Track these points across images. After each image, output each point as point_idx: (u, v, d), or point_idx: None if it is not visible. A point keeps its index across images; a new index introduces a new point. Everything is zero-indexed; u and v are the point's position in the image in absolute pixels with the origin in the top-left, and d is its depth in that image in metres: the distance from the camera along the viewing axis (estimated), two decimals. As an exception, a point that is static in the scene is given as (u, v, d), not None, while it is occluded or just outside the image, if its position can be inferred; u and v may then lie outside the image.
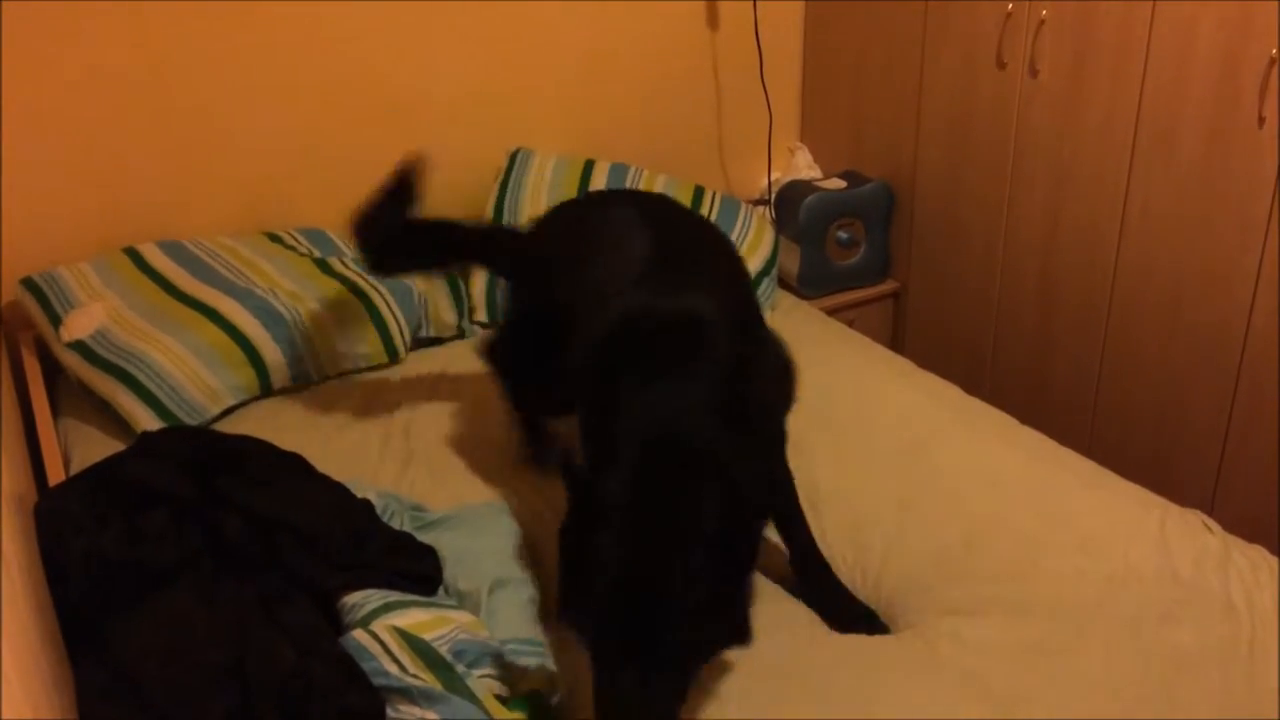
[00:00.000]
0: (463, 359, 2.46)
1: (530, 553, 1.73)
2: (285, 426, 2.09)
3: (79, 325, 2.19)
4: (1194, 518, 1.82)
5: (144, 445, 1.75)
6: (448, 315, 2.54)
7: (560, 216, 1.98)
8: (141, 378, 2.11)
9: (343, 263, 2.48)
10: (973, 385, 2.36)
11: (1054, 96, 2.44)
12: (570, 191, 2.72)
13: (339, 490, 1.76)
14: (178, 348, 2.16)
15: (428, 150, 2.71)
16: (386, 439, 2.12)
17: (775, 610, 1.62)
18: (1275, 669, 1.49)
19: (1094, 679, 1.49)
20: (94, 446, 2.02)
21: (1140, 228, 2.34)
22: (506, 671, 1.45)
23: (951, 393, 2.28)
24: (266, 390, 2.27)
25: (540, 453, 2.02)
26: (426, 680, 1.35)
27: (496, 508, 1.82)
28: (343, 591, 1.54)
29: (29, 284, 2.30)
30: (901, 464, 1.98)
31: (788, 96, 3.19)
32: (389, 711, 1.31)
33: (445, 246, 2.11)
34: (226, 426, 2.11)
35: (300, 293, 2.34)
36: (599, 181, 2.74)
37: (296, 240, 2.55)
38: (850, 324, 2.82)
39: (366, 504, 1.75)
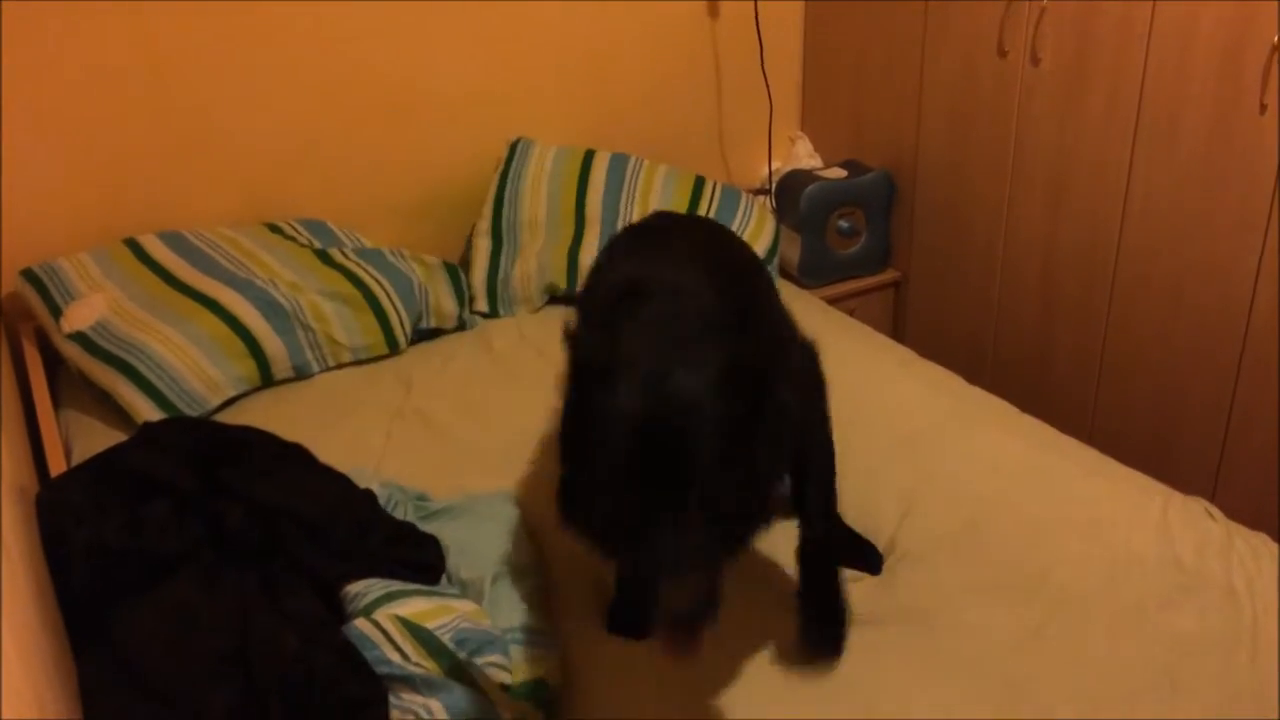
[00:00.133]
0: (464, 350, 2.46)
1: (533, 542, 1.73)
2: (286, 417, 2.09)
3: (79, 316, 2.19)
4: (1196, 505, 1.82)
5: (145, 436, 1.75)
6: (448, 306, 2.53)
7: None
8: (142, 369, 2.10)
9: (343, 253, 2.48)
10: (974, 374, 2.36)
11: (1056, 85, 2.44)
12: (571, 182, 2.72)
13: (341, 480, 1.76)
14: (178, 339, 2.16)
15: (428, 140, 2.74)
16: (388, 429, 2.12)
17: (772, 597, 1.62)
18: (1276, 655, 1.50)
19: (1096, 665, 1.50)
20: (95, 437, 2.02)
21: (1142, 215, 2.33)
22: (510, 660, 1.45)
23: (952, 382, 2.28)
24: (267, 381, 2.27)
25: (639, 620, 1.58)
26: (429, 669, 1.36)
27: (499, 497, 1.82)
28: (345, 581, 1.54)
29: (29, 275, 2.30)
30: (903, 453, 1.98)
31: (788, 85, 3.18)
32: (392, 700, 1.31)
33: None
34: (227, 417, 2.11)
35: (300, 283, 2.34)
36: (599, 172, 2.74)
37: (297, 231, 2.55)
38: (851, 313, 2.82)
39: (369, 494, 1.75)
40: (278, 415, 2.10)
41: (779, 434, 1.22)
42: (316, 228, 2.58)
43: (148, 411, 2.07)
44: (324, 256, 2.45)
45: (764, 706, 1.45)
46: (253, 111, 2.52)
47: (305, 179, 2.63)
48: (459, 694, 1.33)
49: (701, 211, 2.70)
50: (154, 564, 1.46)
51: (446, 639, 1.42)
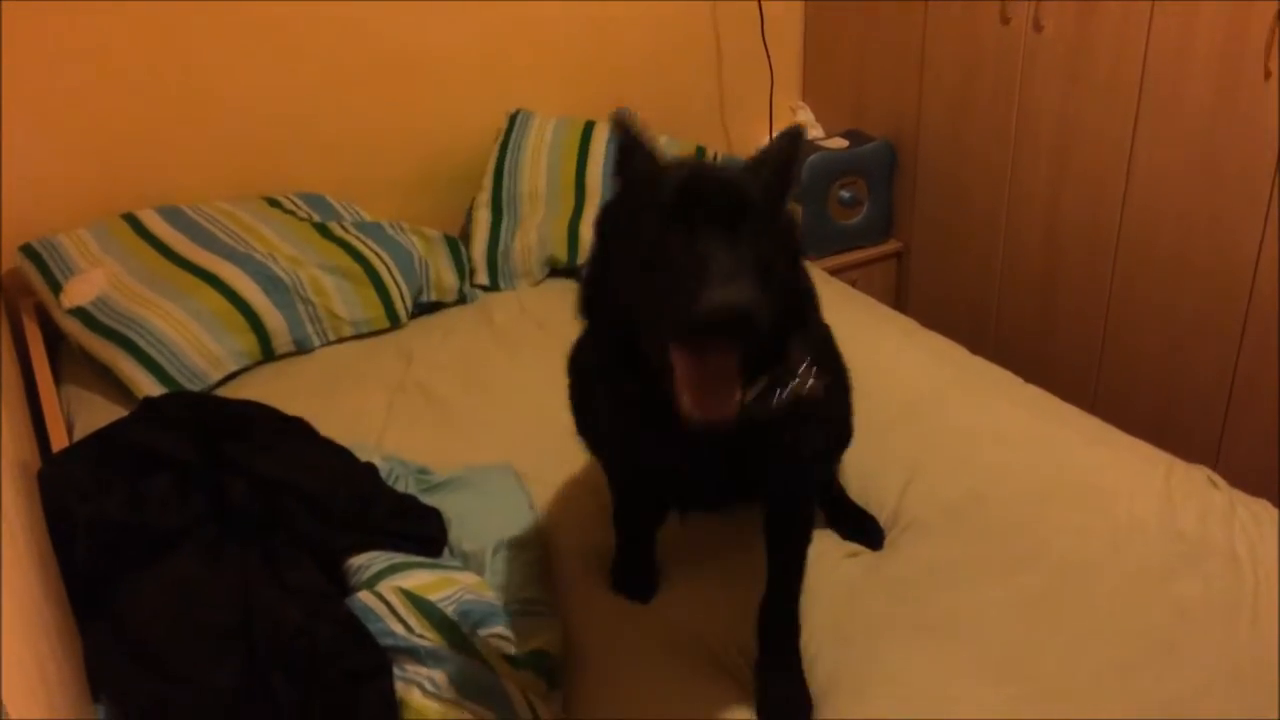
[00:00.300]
0: (464, 323, 2.45)
1: (534, 513, 1.73)
2: (287, 391, 2.09)
3: (79, 292, 2.18)
4: (1199, 473, 1.82)
5: (147, 410, 1.75)
6: (449, 279, 2.53)
7: None
8: (143, 344, 2.10)
9: (342, 227, 2.47)
10: (977, 344, 2.36)
11: (1059, 51, 2.42)
12: (571, 153, 2.70)
13: (343, 454, 1.77)
14: (178, 313, 2.16)
15: (427, 112, 2.72)
16: (390, 403, 2.12)
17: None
18: (1278, 621, 1.50)
19: (1098, 633, 1.50)
20: (96, 413, 2.02)
21: (1145, 182, 2.32)
22: (512, 631, 1.46)
23: (955, 352, 2.27)
24: (268, 355, 2.27)
25: (642, 581, 1.62)
26: (433, 640, 1.36)
27: (501, 469, 1.82)
28: (348, 554, 1.54)
29: (28, 251, 2.29)
30: (905, 423, 1.97)
31: (789, 55, 3.16)
32: (396, 671, 1.32)
33: None
34: (228, 392, 2.11)
35: (300, 257, 2.33)
36: (600, 143, 2.72)
37: (296, 205, 2.54)
38: (853, 284, 2.81)
39: (371, 467, 1.75)
40: (278, 389, 2.10)
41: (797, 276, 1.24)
42: (316, 201, 2.57)
43: (148, 386, 2.07)
44: (323, 230, 2.44)
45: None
46: (250, 85, 2.50)
47: (304, 152, 2.62)
48: (462, 665, 1.33)
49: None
50: (157, 538, 1.47)
51: (449, 611, 1.43)
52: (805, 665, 1.45)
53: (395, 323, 2.42)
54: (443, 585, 1.48)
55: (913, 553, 1.67)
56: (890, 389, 2.07)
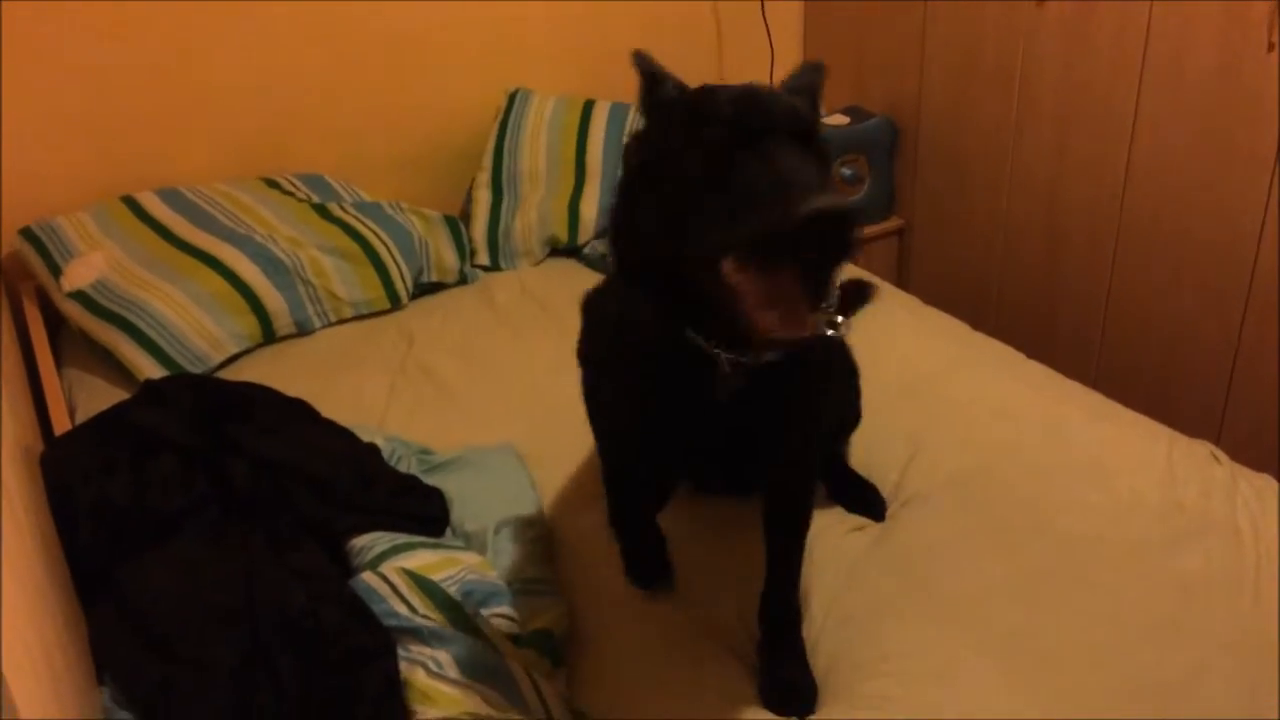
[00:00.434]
0: (465, 304, 2.45)
1: (536, 493, 1.73)
2: (288, 373, 2.09)
3: (79, 275, 2.18)
4: (1201, 448, 1.82)
5: (148, 393, 1.75)
6: (449, 259, 2.52)
7: None
8: (143, 327, 2.10)
9: (341, 208, 2.46)
10: (979, 320, 2.35)
11: (1061, 24, 2.40)
12: (571, 132, 2.69)
13: (345, 435, 1.77)
14: (179, 296, 2.15)
15: (425, 91, 2.71)
16: (391, 384, 2.12)
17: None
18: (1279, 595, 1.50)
19: (1101, 609, 1.50)
20: (98, 396, 2.02)
21: (1148, 156, 2.31)
22: (516, 611, 1.46)
23: (958, 328, 2.27)
24: (269, 337, 2.27)
25: (653, 571, 1.60)
26: (436, 621, 1.36)
27: (503, 449, 1.82)
28: (350, 535, 1.55)
29: (28, 234, 2.29)
30: (908, 400, 1.97)
31: (789, 31, 3.14)
32: (400, 652, 1.32)
33: None
34: (229, 374, 2.11)
35: (300, 239, 2.33)
36: (599, 122, 2.71)
37: (295, 186, 2.53)
38: (855, 261, 2.79)
39: (373, 448, 1.76)
40: (280, 371, 2.10)
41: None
42: (314, 182, 2.56)
43: (150, 369, 2.07)
44: (323, 211, 2.43)
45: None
46: (249, 66, 2.49)
47: (302, 133, 2.61)
48: (466, 645, 1.33)
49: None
50: (160, 521, 1.47)
51: (453, 591, 1.43)
52: (808, 646, 1.45)
53: (396, 303, 2.41)
54: (446, 565, 1.48)
55: (915, 530, 1.67)
56: (892, 366, 2.06)
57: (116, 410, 1.69)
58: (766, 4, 2.97)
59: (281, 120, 2.57)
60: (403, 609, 1.37)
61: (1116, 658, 1.42)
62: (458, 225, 2.60)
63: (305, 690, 1.26)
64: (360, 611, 1.35)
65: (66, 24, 2.27)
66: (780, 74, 3.09)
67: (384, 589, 1.40)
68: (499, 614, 1.44)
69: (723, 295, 1.02)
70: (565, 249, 2.64)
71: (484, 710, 1.23)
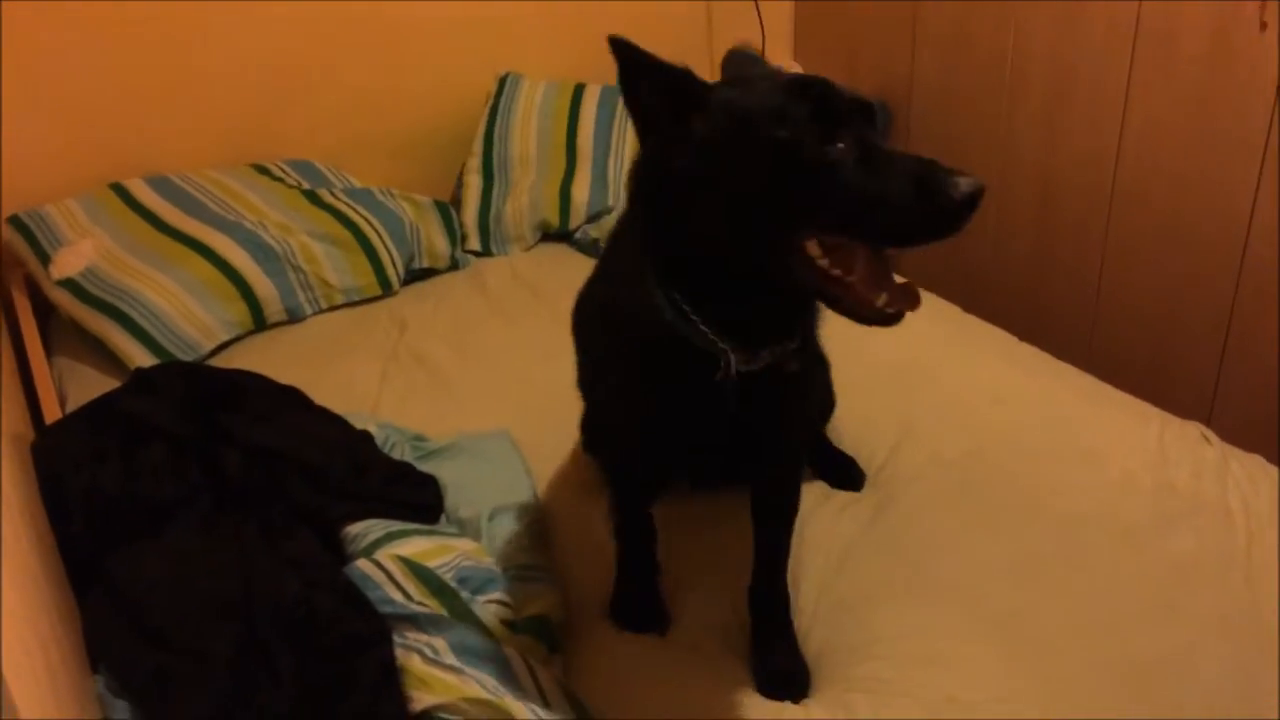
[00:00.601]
0: (457, 289, 2.44)
1: (530, 479, 1.73)
2: (280, 360, 2.08)
3: (68, 263, 2.17)
4: (1192, 429, 1.82)
5: (140, 381, 1.75)
6: (440, 245, 2.51)
7: None
8: (134, 314, 2.09)
9: (332, 194, 2.45)
10: (971, 302, 2.35)
11: (1052, 5, 2.39)
12: (561, 116, 2.68)
13: (338, 422, 1.76)
14: (169, 283, 2.14)
15: (415, 76, 2.69)
16: (384, 371, 2.11)
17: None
18: (1273, 574, 1.51)
19: (1094, 590, 1.51)
20: (89, 384, 2.01)
21: (1140, 136, 2.30)
22: (511, 597, 1.46)
23: (950, 311, 2.27)
24: (260, 325, 2.26)
25: (650, 610, 1.53)
26: (432, 607, 1.36)
27: (497, 436, 1.82)
28: (344, 522, 1.54)
29: (16, 222, 2.27)
30: (900, 383, 1.97)
31: (781, 13, 3.12)
32: (395, 639, 1.32)
33: None
34: (221, 362, 2.10)
35: (290, 225, 2.32)
36: (590, 105, 2.70)
37: (285, 172, 2.52)
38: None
39: (366, 435, 1.75)
40: (272, 359, 2.09)
41: None
42: (304, 168, 2.55)
43: (140, 357, 2.06)
44: (313, 197, 2.42)
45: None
46: (238, 52, 2.47)
47: (292, 119, 2.59)
48: (462, 631, 1.33)
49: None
50: (152, 510, 1.47)
51: (448, 577, 1.43)
52: (800, 633, 1.46)
53: (387, 290, 2.41)
54: (440, 552, 1.48)
55: (907, 513, 1.67)
56: (884, 349, 2.05)
57: (107, 399, 1.69)
58: (757, -14, 2.96)
59: (271, 107, 2.56)
60: (398, 596, 1.37)
61: (1109, 638, 1.43)
62: (449, 211, 2.59)
63: (302, 678, 1.25)
64: (355, 599, 1.35)
65: (53, 11, 2.25)
66: (772, 56, 3.08)
67: (379, 576, 1.40)
68: (494, 600, 1.44)
69: (819, 284, 1.08)
70: (557, 234, 2.64)
71: (481, 696, 1.23)
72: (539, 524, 1.64)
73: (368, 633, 1.31)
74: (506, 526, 1.60)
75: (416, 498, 1.63)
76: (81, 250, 2.19)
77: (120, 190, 2.35)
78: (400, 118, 2.71)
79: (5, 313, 2.28)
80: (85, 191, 2.34)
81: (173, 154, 2.47)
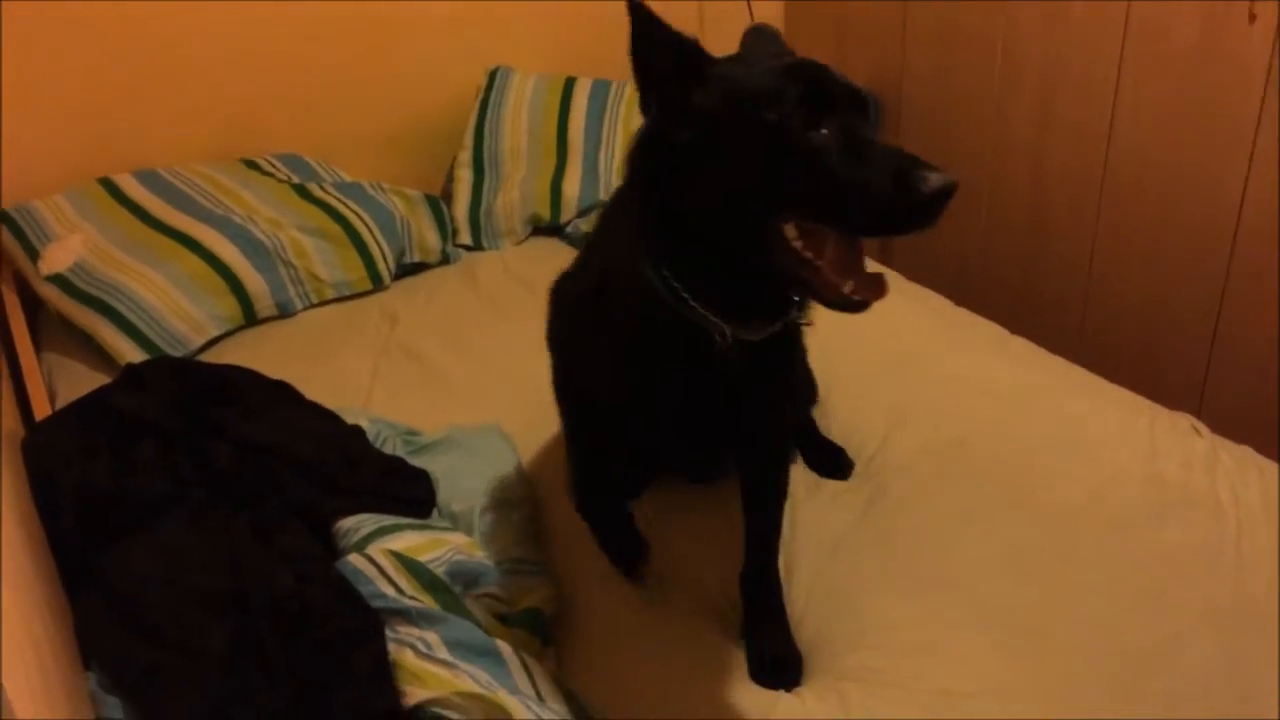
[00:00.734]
0: (448, 284, 2.44)
1: (522, 473, 1.73)
2: (271, 356, 2.07)
3: (57, 258, 2.16)
4: (1182, 420, 1.83)
5: (130, 377, 1.74)
6: (431, 239, 2.51)
7: None
8: (123, 310, 2.08)
9: (322, 188, 2.44)
10: (961, 294, 2.36)
11: (1042, -2, 2.40)
12: (552, 110, 2.67)
13: (329, 417, 1.76)
14: (158, 279, 2.13)
15: (405, 70, 2.69)
16: (375, 365, 2.11)
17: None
18: (1263, 564, 1.52)
19: (1084, 581, 1.51)
20: (79, 380, 2.00)
21: (1130, 127, 2.31)
22: (504, 590, 1.46)
23: (940, 303, 2.28)
24: (250, 319, 2.25)
25: (634, 553, 1.58)
26: (424, 602, 1.36)
27: (488, 429, 1.82)
28: (336, 517, 1.54)
29: (4, 217, 2.26)
30: (890, 375, 1.98)
31: (772, 11, 3.12)
32: (388, 633, 1.32)
33: None
34: (211, 357, 2.09)
35: (280, 220, 2.31)
36: (581, 99, 2.69)
37: (274, 166, 2.51)
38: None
39: (357, 429, 1.75)
40: (262, 354, 2.09)
41: None
42: (294, 162, 2.54)
43: (130, 353, 2.05)
44: (303, 191, 2.41)
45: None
46: (226, 46, 2.46)
47: (281, 113, 2.58)
48: (455, 625, 1.33)
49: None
50: (144, 505, 1.46)
51: (440, 572, 1.43)
52: (793, 622, 1.46)
53: (378, 284, 2.40)
54: (433, 546, 1.48)
55: (898, 504, 1.68)
56: (876, 342, 2.06)
57: (98, 394, 1.68)
58: (747, -22, 2.95)
59: (260, 101, 2.55)
60: (390, 590, 1.36)
61: (1099, 628, 1.43)
62: (439, 205, 2.59)
63: (295, 673, 1.25)
64: (348, 594, 1.35)
65: (40, 6, 2.24)
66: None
67: (371, 571, 1.39)
68: (487, 594, 1.44)
69: (792, 266, 1.10)
70: (548, 228, 2.63)
71: (474, 690, 1.23)
72: (531, 517, 1.64)
73: (361, 627, 1.30)
74: (499, 520, 1.60)
75: (408, 492, 1.63)
76: (70, 245, 2.18)
77: (109, 185, 2.34)
78: (390, 111, 2.70)
79: (-7, 308, 2.27)
80: (73, 186, 2.33)
81: (161, 149, 2.46)
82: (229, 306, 2.20)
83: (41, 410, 1.89)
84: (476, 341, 2.17)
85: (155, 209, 2.28)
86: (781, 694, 1.37)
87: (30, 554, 1.32)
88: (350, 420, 1.77)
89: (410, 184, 2.63)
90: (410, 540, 1.48)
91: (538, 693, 1.28)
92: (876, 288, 1.11)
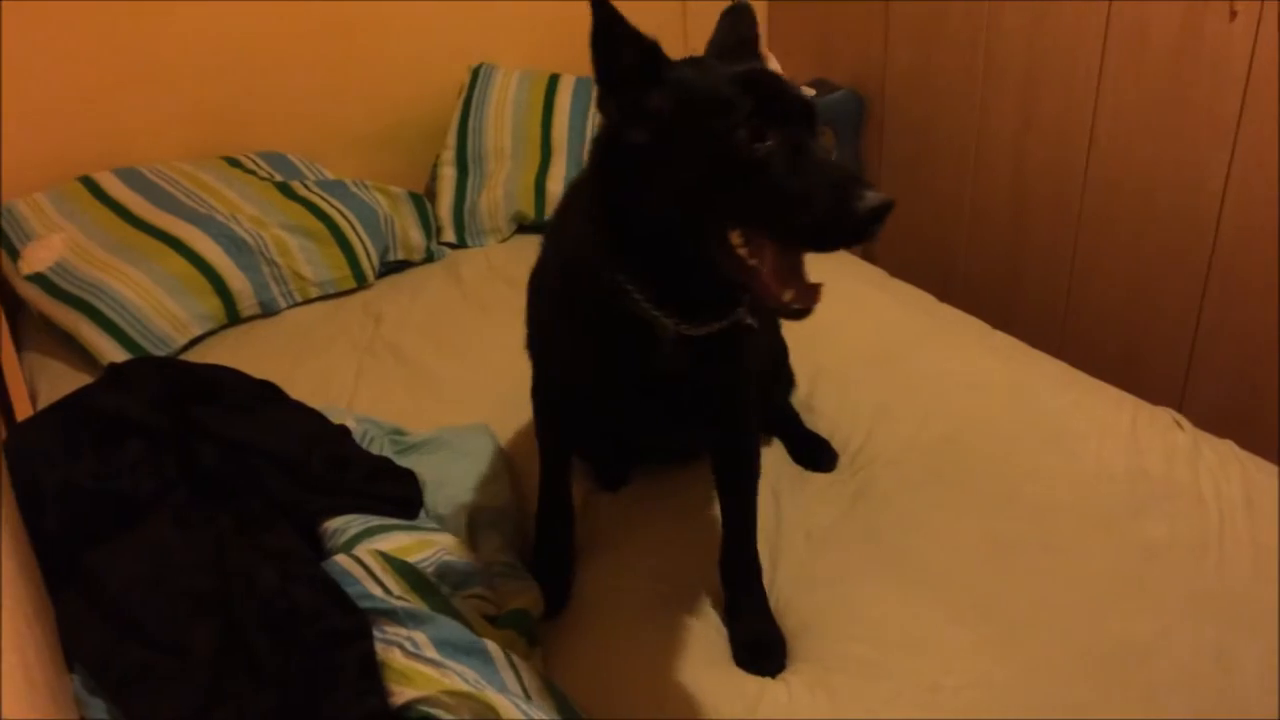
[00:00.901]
0: (433, 282, 2.43)
1: (509, 472, 1.73)
2: (255, 355, 2.07)
3: (38, 257, 2.14)
4: (1164, 415, 1.84)
5: (113, 377, 1.72)
6: (415, 237, 2.50)
7: None
8: (105, 309, 2.07)
9: (305, 186, 2.43)
10: (945, 291, 2.37)
11: (1024, -5, 2.41)
12: (535, 108, 2.67)
13: (315, 416, 1.75)
14: (140, 278, 2.12)
15: (387, 67, 2.68)
16: (360, 364, 2.10)
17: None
18: (1244, 558, 1.53)
19: (1065, 573, 1.52)
20: (61, 380, 1.99)
21: (1112, 124, 2.32)
22: (492, 591, 1.46)
23: (924, 300, 2.29)
24: (234, 318, 2.24)
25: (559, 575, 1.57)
26: (412, 602, 1.36)
27: (475, 429, 1.82)
28: (322, 517, 1.54)
29: (-18, 217, 2.24)
30: (875, 371, 1.98)
31: (755, 4, 3.12)
32: (375, 633, 1.32)
33: None
34: (195, 356, 2.08)
35: (263, 218, 2.30)
36: (564, 97, 2.69)
37: (257, 164, 2.49)
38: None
39: (343, 429, 1.74)
40: (246, 353, 2.08)
41: None
42: (277, 160, 2.53)
43: (112, 353, 2.04)
44: (286, 189, 2.40)
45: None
46: (208, 43, 2.45)
47: (263, 111, 2.57)
48: (443, 625, 1.33)
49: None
50: (128, 505, 1.45)
51: (428, 572, 1.43)
52: (778, 611, 1.47)
53: (362, 282, 2.39)
54: (420, 547, 1.47)
55: (883, 498, 1.69)
56: (860, 338, 2.08)
57: (80, 394, 1.66)
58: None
59: (241, 98, 2.53)
60: (377, 591, 1.36)
61: (1084, 622, 1.44)
62: (423, 203, 2.58)
63: (282, 673, 1.25)
64: (335, 594, 1.34)
65: (21, 4, 2.22)
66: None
67: (358, 571, 1.39)
68: (475, 595, 1.44)
69: (735, 271, 1.13)
70: (532, 225, 2.63)
71: (462, 689, 1.23)
72: (519, 518, 1.63)
73: (348, 628, 1.30)
74: (487, 522, 1.59)
75: (396, 492, 1.62)
76: (51, 244, 2.16)
77: (90, 184, 2.32)
78: (373, 109, 2.70)
79: (-27, 308, 2.25)
80: (54, 185, 2.31)
81: (143, 146, 2.44)
82: (212, 305, 2.19)
83: (23, 411, 1.88)
84: (461, 339, 2.17)
85: (137, 207, 2.27)
86: (768, 684, 1.37)
87: (13, 555, 1.31)
88: (336, 419, 1.76)
89: (394, 181, 2.62)
90: (398, 541, 1.47)
91: (525, 691, 1.28)
92: (814, 297, 1.13)
